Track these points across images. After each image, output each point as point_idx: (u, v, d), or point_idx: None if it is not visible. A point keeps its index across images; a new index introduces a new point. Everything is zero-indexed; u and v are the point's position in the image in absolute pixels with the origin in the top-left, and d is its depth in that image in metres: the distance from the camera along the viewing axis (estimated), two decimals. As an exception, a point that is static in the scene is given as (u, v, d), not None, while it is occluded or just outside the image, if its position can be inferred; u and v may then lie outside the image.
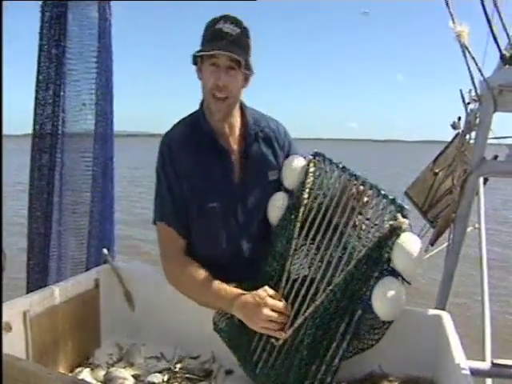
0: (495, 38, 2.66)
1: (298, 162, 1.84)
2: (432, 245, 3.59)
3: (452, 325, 1.62)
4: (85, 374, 1.78)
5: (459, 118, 3.61)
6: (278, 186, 1.94)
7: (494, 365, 2.15)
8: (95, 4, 2.25)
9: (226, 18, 1.74)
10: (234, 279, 1.85)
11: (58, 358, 1.78)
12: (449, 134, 3.92)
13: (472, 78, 2.76)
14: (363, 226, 1.55)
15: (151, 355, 1.91)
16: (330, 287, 1.53)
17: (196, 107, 1.95)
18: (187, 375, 1.78)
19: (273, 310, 1.61)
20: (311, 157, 1.83)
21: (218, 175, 1.87)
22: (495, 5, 2.65)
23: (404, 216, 1.43)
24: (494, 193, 16.94)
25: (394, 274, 1.42)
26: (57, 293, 1.80)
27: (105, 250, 2.11)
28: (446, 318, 1.67)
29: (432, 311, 1.75)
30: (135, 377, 1.75)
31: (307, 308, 1.57)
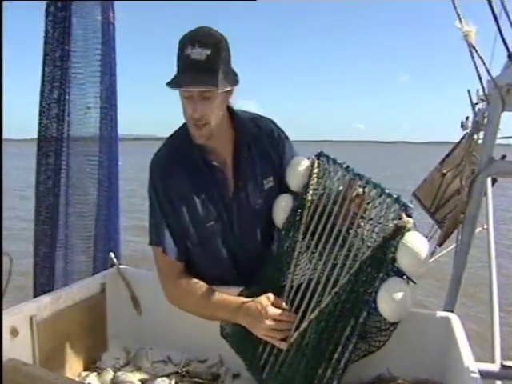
0: (503, 37, 2.64)
1: (302, 164, 1.82)
2: (440, 246, 3.57)
3: (461, 327, 1.60)
4: (92, 378, 1.79)
5: (467, 118, 3.59)
6: (276, 192, 1.91)
7: (503, 367, 2.13)
8: (99, 7, 2.26)
9: (193, 41, 1.60)
10: (236, 285, 1.85)
11: (64, 362, 1.78)
12: (455, 135, 3.90)
13: (480, 78, 2.75)
14: (367, 226, 1.54)
15: (158, 359, 1.91)
16: (335, 289, 1.51)
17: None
18: (195, 379, 1.78)
19: (275, 319, 1.60)
20: (315, 158, 1.82)
21: (211, 192, 1.83)
22: (503, 4, 2.63)
23: (408, 215, 1.40)
24: (503, 193, 16.85)
25: (400, 274, 1.40)
26: (63, 297, 1.80)
27: (111, 254, 2.11)
28: (455, 320, 1.65)
29: (440, 313, 1.73)
30: (142, 381, 1.76)
31: (312, 311, 1.56)
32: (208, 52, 1.59)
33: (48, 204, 2.33)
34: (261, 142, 1.90)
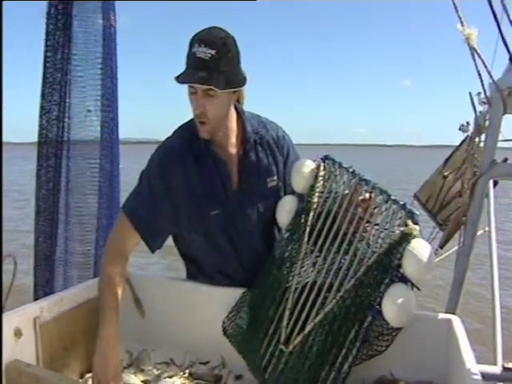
0: (504, 40, 2.64)
1: (308, 166, 1.83)
2: (441, 248, 3.57)
3: (463, 329, 1.61)
4: (94, 379, 1.78)
5: (467, 123, 3.59)
6: (279, 191, 1.95)
7: (505, 369, 2.13)
8: (100, 11, 2.26)
9: (201, 40, 1.67)
10: (240, 286, 1.87)
11: (68, 363, 1.78)
12: (457, 139, 3.91)
13: (481, 81, 2.75)
14: (373, 231, 1.54)
15: (161, 361, 1.91)
16: (340, 293, 1.52)
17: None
18: (197, 380, 1.78)
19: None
20: (321, 160, 1.83)
21: (215, 183, 1.86)
22: (504, 6, 2.64)
23: (414, 222, 1.42)
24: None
25: (404, 280, 1.41)
26: (67, 299, 1.81)
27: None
28: (457, 323, 1.65)
29: (442, 315, 1.74)
30: (145, 382, 1.76)
31: (317, 314, 1.56)
32: (213, 52, 1.65)
33: (48, 206, 2.33)
34: (267, 143, 1.95)
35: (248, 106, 1.97)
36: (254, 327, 1.78)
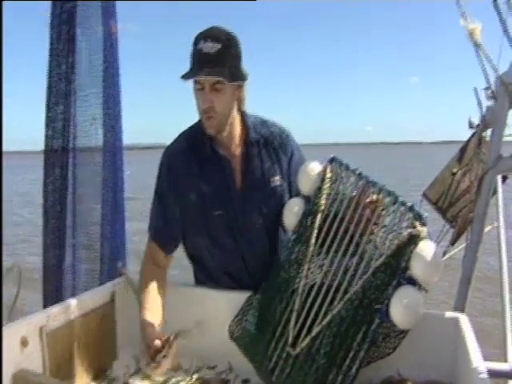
0: (508, 34, 2.62)
1: (315, 168, 1.82)
2: (453, 244, 3.54)
3: (470, 327, 1.59)
4: (102, 387, 1.79)
5: (470, 121, 3.57)
6: (282, 191, 1.96)
7: (515, 366, 2.11)
8: (101, 19, 2.27)
9: (206, 36, 1.73)
10: (245, 287, 1.87)
11: (75, 371, 1.77)
12: (465, 134, 3.88)
13: (486, 76, 2.73)
14: (380, 233, 1.54)
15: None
16: (347, 296, 1.51)
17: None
18: (204, 385, 1.77)
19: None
20: (328, 162, 1.82)
21: (219, 183, 1.88)
22: (508, 0, 2.62)
23: (422, 224, 1.41)
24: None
25: (412, 282, 1.40)
26: (73, 307, 1.80)
27: (120, 263, 2.13)
28: (464, 321, 1.64)
29: (450, 314, 1.72)
30: (153, 388, 1.75)
31: (324, 316, 1.55)
32: (219, 46, 1.71)
33: (55, 215, 2.34)
34: (270, 143, 1.97)
35: (256, 107, 1.99)
36: (260, 330, 1.77)
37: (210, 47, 1.71)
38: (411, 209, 1.44)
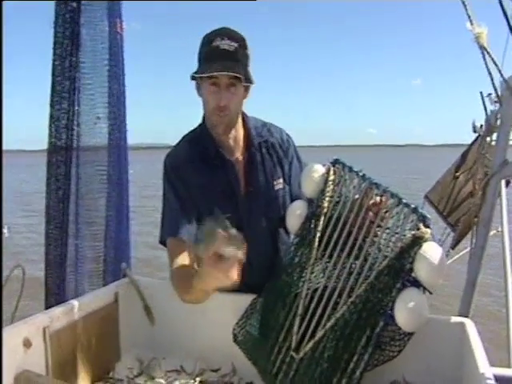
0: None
1: (318, 170, 1.80)
2: (453, 248, 3.54)
3: (476, 332, 1.58)
4: (105, 388, 1.78)
5: (474, 124, 3.57)
6: (285, 194, 1.96)
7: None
8: (107, 18, 2.26)
9: (221, 34, 1.73)
10: (248, 289, 1.85)
11: (78, 373, 1.77)
12: (468, 137, 3.88)
13: (492, 79, 2.73)
14: (384, 236, 1.53)
15: (171, 369, 1.90)
16: (351, 299, 1.50)
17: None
18: (208, 388, 1.77)
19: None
20: (330, 164, 1.81)
21: (223, 187, 1.87)
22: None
23: (426, 226, 1.40)
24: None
25: (416, 284, 1.39)
26: (76, 308, 1.79)
27: (124, 264, 2.11)
28: (470, 326, 1.63)
29: (455, 319, 1.71)
30: (156, 391, 1.75)
31: (328, 320, 1.54)
32: (236, 45, 1.73)
33: (58, 214, 2.33)
34: (272, 145, 1.97)
35: (256, 108, 1.98)
36: (264, 334, 1.76)
37: (228, 45, 1.72)
38: (415, 210, 1.42)
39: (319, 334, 1.55)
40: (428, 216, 1.41)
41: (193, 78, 1.85)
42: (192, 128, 2.00)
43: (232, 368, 1.88)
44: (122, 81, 2.37)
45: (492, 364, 1.41)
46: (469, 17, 2.47)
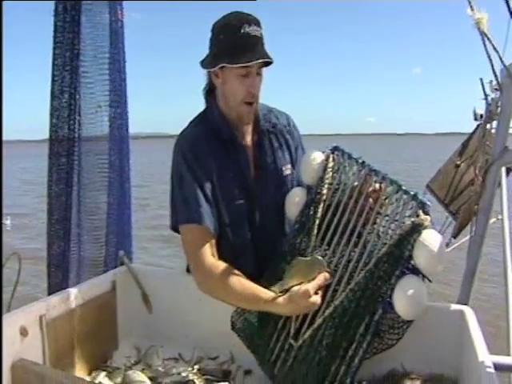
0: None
1: (317, 158, 1.80)
2: (455, 238, 3.52)
3: (475, 320, 1.58)
4: (102, 377, 1.78)
5: (478, 114, 3.55)
6: (293, 180, 1.94)
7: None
8: (107, 6, 2.24)
9: (247, 20, 1.69)
10: (251, 277, 1.83)
11: (75, 361, 1.77)
12: (468, 126, 3.86)
13: (492, 67, 2.70)
14: (383, 223, 1.52)
15: (169, 357, 1.90)
16: (350, 286, 1.49)
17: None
18: (206, 376, 1.76)
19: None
20: (330, 151, 1.80)
21: (235, 172, 1.85)
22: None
23: (426, 213, 1.39)
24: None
25: (416, 272, 1.39)
26: (73, 296, 1.79)
27: (121, 252, 2.10)
28: (469, 314, 1.63)
29: (454, 306, 1.71)
30: (153, 379, 1.74)
31: (326, 307, 1.54)
32: (261, 30, 1.73)
33: (61, 204, 2.31)
34: (279, 131, 1.96)
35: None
36: (262, 321, 1.75)
37: (257, 31, 1.70)
38: (414, 197, 1.42)
39: (318, 321, 1.55)
40: (427, 203, 1.40)
41: (211, 66, 1.78)
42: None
43: (230, 356, 1.88)
44: (122, 69, 2.35)
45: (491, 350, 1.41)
46: (469, 2, 2.44)
